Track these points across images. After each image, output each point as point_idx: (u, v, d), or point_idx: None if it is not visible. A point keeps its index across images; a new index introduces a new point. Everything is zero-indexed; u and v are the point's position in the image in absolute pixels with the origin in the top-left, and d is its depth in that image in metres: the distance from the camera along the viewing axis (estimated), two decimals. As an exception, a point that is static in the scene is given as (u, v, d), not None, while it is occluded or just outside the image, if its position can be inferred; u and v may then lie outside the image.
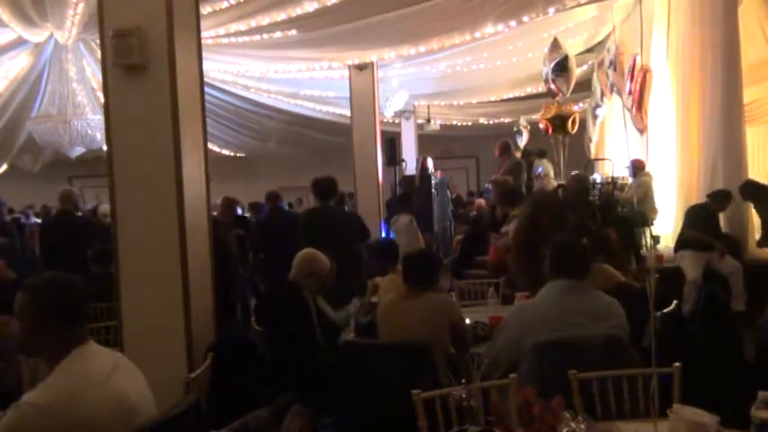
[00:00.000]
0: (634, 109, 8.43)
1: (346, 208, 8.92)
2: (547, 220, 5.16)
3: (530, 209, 5.48)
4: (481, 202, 9.78)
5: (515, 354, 2.97)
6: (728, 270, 6.06)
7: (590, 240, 4.88)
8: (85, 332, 2.06)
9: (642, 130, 8.41)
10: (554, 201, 5.47)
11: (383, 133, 9.82)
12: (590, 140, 12.40)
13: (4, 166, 14.13)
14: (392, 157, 10.04)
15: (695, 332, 4.07)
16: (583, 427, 1.87)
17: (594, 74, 11.31)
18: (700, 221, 6.21)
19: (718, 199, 6.19)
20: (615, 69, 9.20)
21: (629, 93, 8.60)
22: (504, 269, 5.82)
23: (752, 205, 6.51)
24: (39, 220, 9.33)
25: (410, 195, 7.83)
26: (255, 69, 9.57)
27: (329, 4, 6.48)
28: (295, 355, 3.59)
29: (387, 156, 9.74)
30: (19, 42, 7.96)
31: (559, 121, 9.23)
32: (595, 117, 11.66)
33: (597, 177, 9.44)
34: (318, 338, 3.64)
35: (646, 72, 7.97)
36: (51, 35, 7.72)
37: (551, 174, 9.26)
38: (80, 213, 6.29)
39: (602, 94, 10.90)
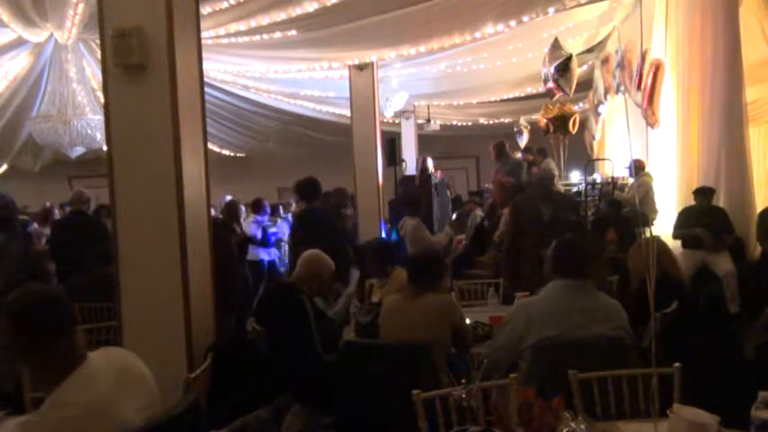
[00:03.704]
0: (645, 104, 8.35)
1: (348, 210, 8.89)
2: (524, 220, 5.24)
3: (509, 212, 5.56)
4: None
5: (517, 351, 2.97)
6: (722, 273, 6.08)
7: (573, 233, 4.95)
8: (81, 347, 1.92)
9: (653, 125, 8.34)
10: (528, 200, 5.52)
11: (383, 133, 9.81)
12: (592, 138, 12.36)
13: (4, 167, 14.12)
14: (392, 157, 10.03)
15: (695, 332, 4.07)
16: (583, 427, 1.87)
17: (597, 72, 11.22)
18: (687, 221, 6.28)
19: (704, 195, 6.26)
20: (623, 68, 9.08)
21: (638, 87, 8.49)
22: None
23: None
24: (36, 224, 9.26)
25: (417, 200, 7.78)
26: (255, 69, 9.56)
27: (329, 4, 6.47)
28: (292, 356, 3.59)
29: (387, 156, 9.73)
30: (19, 42, 7.96)
31: (561, 122, 9.23)
32: (598, 115, 11.58)
33: (597, 177, 9.44)
34: (315, 340, 3.63)
35: (658, 66, 7.87)
36: (51, 35, 7.72)
37: (555, 173, 9.27)
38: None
39: (606, 92, 10.78)
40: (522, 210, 5.36)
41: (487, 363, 3.11)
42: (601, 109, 11.35)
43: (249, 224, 9.35)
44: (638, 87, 8.19)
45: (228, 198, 9.09)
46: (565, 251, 3.14)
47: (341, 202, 7.67)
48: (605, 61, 10.18)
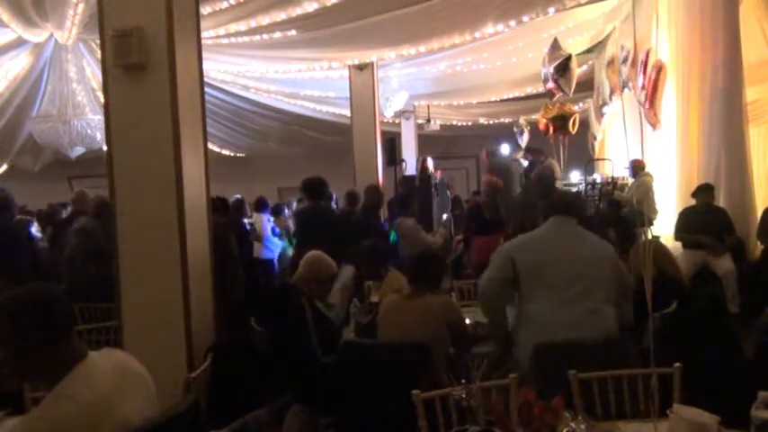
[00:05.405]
0: (647, 104, 8.35)
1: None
2: (524, 219, 5.27)
3: (508, 211, 5.61)
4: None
5: (511, 282, 3.22)
6: (723, 272, 6.08)
7: None
8: (81, 345, 1.91)
9: (654, 126, 8.34)
10: (527, 199, 5.58)
11: (383, 133, 9.82)
12: (594, 139, 12.33)
13: (4, 167, 14.13)
14: (392, 158, 10.03)
15: (695, 332, 4.07)
16: (583, 427, 1.87)
17: (603, 72, 11.16)
18: (689, 222, 6.28)
19: (705, 192, 6.26)
20: (632, 65, 9.04)
21: (642, 87, 8.48)
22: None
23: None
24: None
25: (409, 199, 7.76)
26: (255, 69, 9.57)
27: (329, 4, 6.48)
28: (291, 358, 3.59)
29: (387, 156, 9.74)
30: (19, 42, 7.96)
31: (561, 122, 9.23)
32: (602, 115, 11.53)
33: (597, 177, 9.43)
34: (313, 343, 3.62)
35: (660, 68, 7.86)
36: (51, 35, 7.72)
37: (558, 172, 9.29)
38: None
39: (612, 92, 10.70)
40: (520, 209, 5.40)
41: (480, 294, 3.42)
42: (605, 110, 11.30)
43: (261, 222, 9.33)
44: (642, 87, 8.19)
45: (237, 197, 9.06)
46: (559, 196, 3.60)
47: (375, 202, 7.62)
48: (611, 62, 10.15)
